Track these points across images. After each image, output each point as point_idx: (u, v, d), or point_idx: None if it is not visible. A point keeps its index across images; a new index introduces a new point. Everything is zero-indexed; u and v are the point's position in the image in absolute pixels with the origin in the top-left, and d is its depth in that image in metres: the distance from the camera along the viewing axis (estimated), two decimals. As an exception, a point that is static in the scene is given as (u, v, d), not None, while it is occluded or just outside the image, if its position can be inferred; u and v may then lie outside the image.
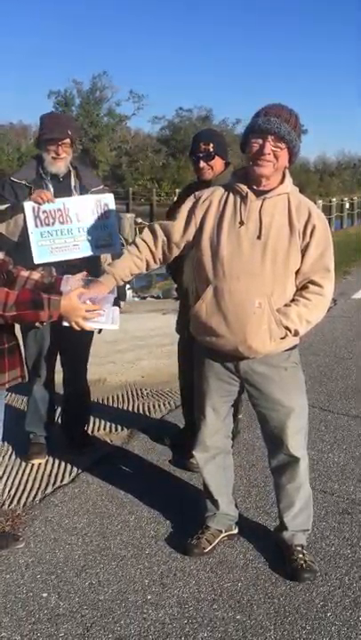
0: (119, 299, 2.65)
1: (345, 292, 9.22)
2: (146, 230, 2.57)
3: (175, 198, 4.37)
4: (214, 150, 3.10)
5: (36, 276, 2.48)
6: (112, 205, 3.24)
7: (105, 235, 3.20)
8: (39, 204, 3.08)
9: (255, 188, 2.34)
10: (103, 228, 3.20)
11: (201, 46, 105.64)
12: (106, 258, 3.26)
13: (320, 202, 20.36)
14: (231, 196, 2.38)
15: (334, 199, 26.39)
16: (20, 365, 2.46)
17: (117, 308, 2.56)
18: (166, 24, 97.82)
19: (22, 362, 2.50)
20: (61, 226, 3.12)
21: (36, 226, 3.09)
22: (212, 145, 3.10)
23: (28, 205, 3.07)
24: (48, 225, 3.10)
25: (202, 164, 3.13)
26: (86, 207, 3.18)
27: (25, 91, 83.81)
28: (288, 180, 2.37)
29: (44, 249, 3.10)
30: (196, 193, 2.50)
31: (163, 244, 2.50)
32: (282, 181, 2.35)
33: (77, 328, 2.34)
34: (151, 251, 2.51)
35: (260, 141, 2.25)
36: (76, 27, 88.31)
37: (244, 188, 2.34)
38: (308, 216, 2.33)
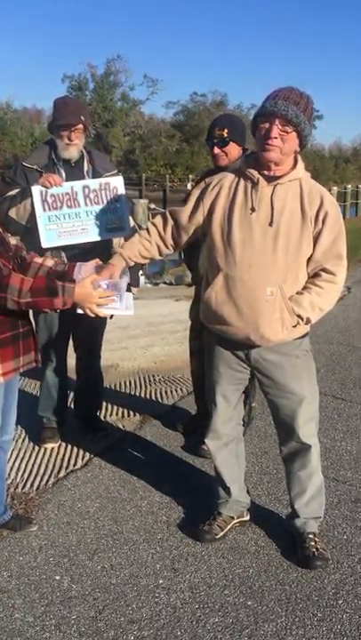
0: (132, 285, 2.63)
1: (360, 279, 9.14)
2: (158, 216, 2.59)
3: (189, 185, 4.33)
4: (229, 136, 3.06)
5: (49, 262, 2.48)
6: (122, 188, 3.20)
7: (114, 218, 3.17)
8: (47, 187, 3.06)
9: (266, 173, 2.29)
10: (113, 211, 3.17)
11: (217, 30, 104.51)
12: (119, 242, 3.25)
13: (335, 188, 20.16)
14: (242, 181, 2.33)
15: (350, 186, 26.11)
16: (34, 350, 2.46)
17: (131, 294, 2.55)
18: (182, 7, 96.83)
19: (36, 346, 2.51)
20: (69, 209, 3.10)
21: (44, 210, 3.07)
22: (226, 131, 3.06)
23: (36, 189, 3.06)
24: (56, 209, 3.08)
25: (216, 150, 3.10)
26: (95, 190, 3.14)
27: (39, 75, 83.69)
28: (300, 165, 2.32)
29: (52, 233, 3.08)
30: (207, 179, 2.47)
31: (172, 228, 2.50)
32: (294, 166, 2.31)
33: (92, 315, 2.35)
34: (160, 235, 2.51)
35: (267, 125, 2.19)
36: (91, 10, 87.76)
37: (255, 173, 2.29)
38: (320, 202, 2.28)
